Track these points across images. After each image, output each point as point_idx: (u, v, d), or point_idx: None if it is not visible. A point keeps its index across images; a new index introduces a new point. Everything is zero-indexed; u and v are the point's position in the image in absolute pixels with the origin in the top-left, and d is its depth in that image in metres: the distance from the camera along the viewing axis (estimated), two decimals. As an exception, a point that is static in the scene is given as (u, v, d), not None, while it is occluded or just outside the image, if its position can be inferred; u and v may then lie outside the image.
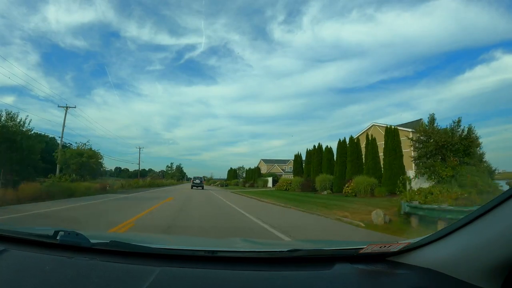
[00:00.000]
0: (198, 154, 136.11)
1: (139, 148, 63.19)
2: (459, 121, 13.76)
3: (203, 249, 1.22)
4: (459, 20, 56.34)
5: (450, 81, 68.51)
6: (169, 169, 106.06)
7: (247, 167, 64.57)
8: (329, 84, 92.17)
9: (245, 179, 54.72)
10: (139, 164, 62.83)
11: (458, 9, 56.81)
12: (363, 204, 12.26)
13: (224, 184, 58.07)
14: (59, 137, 28.29)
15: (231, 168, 73.80)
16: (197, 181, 36.93)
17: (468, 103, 63.29)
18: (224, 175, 78.68)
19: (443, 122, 15.60)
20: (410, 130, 22.47)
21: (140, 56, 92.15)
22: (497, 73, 55.78)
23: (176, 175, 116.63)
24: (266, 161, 78.33)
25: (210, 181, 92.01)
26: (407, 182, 12.78)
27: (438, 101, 64.41)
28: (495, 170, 17.05)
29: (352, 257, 1.14)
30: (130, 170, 78.50)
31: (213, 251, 1.17)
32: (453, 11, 56.94)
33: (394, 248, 1.08)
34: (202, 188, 34.66)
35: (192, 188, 34.24)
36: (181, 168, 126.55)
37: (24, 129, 15.78)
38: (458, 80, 67.43)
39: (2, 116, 15.09)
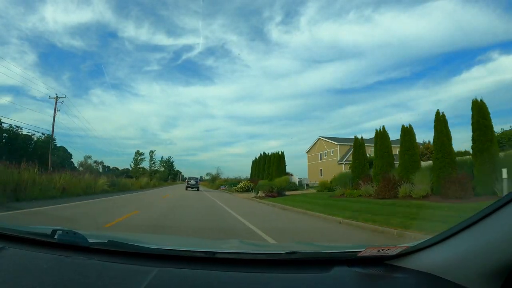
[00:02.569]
0: (195, 155, 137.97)
1: (56, 97, 25.14)
2: None
3: (203, 250, 1.23)
4: (457, 21, 59.67)
5: (447, 82, 73.56)
6: (141, 158, 67.22)
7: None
8: (327, 85, 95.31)
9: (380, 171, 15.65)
10: (52, 134, 25.10)
11: (455, 10, 59.95)
12: None
13: (275, 188, 18.68)
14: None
15: (262, 154, 36.11)
16: (192, 181, 32.16)
17: (465, 104, 50.61)
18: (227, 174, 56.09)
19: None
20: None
21: (137, 57, 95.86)
22: (494, 74, 59.79)
23: (164, 173, 78.87)
24: (337, 140, 40.39)
25: (215, 181, 53.93)
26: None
27: (435, 102, 69.00)
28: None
29: (350, 260, 1.14)
30: (119, 169, 73.76)
31: (213, 253, 1.18)
32: (451, 12, 59.78)
33: (393, 251, 1.09)
34: (198, 190, 30.89)
35: (186, 189, 30.71)
36: (172, 163, 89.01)
37: None
38: (455, 81, 71.72)
39: None
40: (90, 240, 1.22)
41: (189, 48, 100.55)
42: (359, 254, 1.12)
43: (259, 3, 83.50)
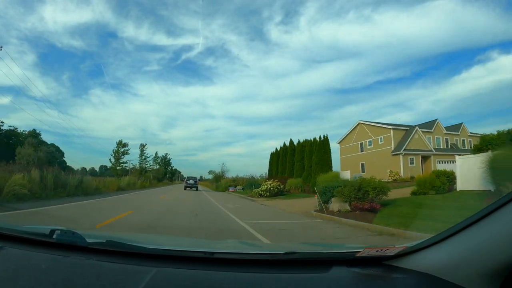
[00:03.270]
0: (195, 155, 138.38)
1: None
2: None
3: (201, 250, 1.23)
4: (456, 21, 59.05)
5: (447, 81, 74.03)
6: (124, 151, 55.83)
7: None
8: (326, 84, 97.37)
9: None
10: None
11: (455, 10, 59.51)
12: None
13: (371, 193, 8.14)
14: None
15: (286, 144, 26.09)
16: (191, 181, 32.54)
17: (465, 104, 66.91)
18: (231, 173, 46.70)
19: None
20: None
21: (137, 57, 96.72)
22: (493, 74, 59.30)
23: (159, 172, 69.10)
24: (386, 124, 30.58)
25: (220, 180, 44.10)
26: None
27: (434, 102, 72.26)
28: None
29: (349, 260, 1.13)
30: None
31: (212, 253, 1.18)
32: (450, 12, 59.28)
33: (391, 252, 1.09)
34: (197, 189, 31.22)
35: (185, 189, 30.99)
36: (168, 160, 79.24)
37: None
38: (455, 80, 70.30)
39: None
40: (89, 240, 1.22)
41: (188, 48, 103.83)
42: (358, 255, 1.12)
43: (258, 3, 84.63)
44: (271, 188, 18.42)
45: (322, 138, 20.85)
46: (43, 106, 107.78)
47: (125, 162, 54.29)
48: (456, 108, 74.02)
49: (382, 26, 73.45)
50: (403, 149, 27.39)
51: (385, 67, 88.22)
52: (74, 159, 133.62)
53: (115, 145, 54.22)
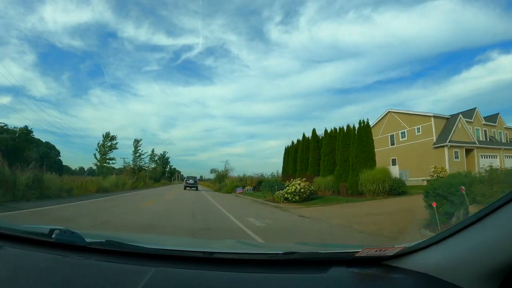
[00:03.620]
0: (195, 155, 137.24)
1: None
2: None
3: (201, 250, 1.23)
4: (456, 21, 57.62)
5: (447, 81, 72.86)
6: (111, 145, 48.06)
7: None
8: (326, 84, 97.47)
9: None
10: None
11: (455, 10, 58.26)
12: None
13: None
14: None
15: (306, 136, 20.72)
16: (191, 181, 33.66)
17: (465, 104, 51.01)
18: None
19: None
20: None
21: (137, 57, 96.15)
22: (493, 74, 58.74)
23: (156, 171, 64.57)
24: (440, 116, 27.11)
25: (224, 180, 39.67)
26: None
27: (434, 102, 70.16)
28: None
29: (348, 260, 1.13)
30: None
31: (211, 253, 1.18)
32: (450, 12, 58.13)
33: (390, 252, 1.09)
34: (196, 189, 32.45)
35: (185, 188, 32.05)
36: (167, 159, 74.84)
37: None
38: (455, 80, 70.15)
39: None
40: (88, 240, 1.21)
41: (188, 48, 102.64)
42: (357, 255, 1.11)
43: (258, 3, 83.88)
44: (301, 190, 13.56)
45: (362, 124, 16.01)
46: (43, 106, 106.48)
47: (113, 159, 47.64)
48: (456, 108, 73.05)
49: (382, 26, 73.10)
50: (448, 140, 22.59)
51: (385, 67, 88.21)
52: (74, 159, 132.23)
53: (102, 137, 47.50)
